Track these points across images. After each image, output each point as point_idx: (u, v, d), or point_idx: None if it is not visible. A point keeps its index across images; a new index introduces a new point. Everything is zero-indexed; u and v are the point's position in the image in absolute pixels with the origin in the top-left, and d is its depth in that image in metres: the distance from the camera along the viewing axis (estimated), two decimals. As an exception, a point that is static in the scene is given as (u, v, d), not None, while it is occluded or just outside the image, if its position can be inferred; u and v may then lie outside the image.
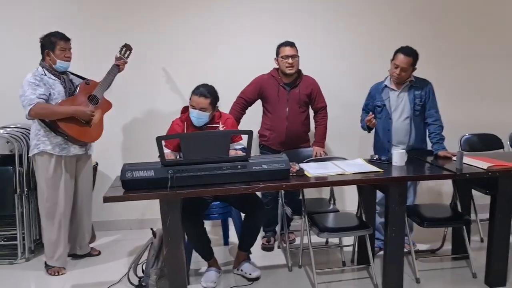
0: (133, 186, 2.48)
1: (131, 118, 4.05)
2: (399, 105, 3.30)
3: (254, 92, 3.53)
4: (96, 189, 3.71)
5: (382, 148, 3.33)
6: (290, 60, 3.39)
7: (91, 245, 3.63)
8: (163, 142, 2.56)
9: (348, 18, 4.14)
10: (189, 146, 2.54)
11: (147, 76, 3.99)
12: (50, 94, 3.09)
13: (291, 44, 3.42)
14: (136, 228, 4.15)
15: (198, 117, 2.98)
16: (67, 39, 3.16)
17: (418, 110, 3.28)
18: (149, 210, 4.10)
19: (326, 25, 4.13)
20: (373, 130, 3.43)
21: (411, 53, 3.19)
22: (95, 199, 3.54)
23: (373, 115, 3.22)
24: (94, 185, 3.72)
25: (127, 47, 3.40)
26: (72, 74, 3.31)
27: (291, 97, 3.47)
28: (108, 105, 3.36)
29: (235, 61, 4.04)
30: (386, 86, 3.33)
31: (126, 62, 3.38)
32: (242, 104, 3.54)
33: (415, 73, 3.33)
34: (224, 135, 2.66)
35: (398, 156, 2.95)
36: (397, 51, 3.24)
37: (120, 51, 3.37)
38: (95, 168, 3.77)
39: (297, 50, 3.44)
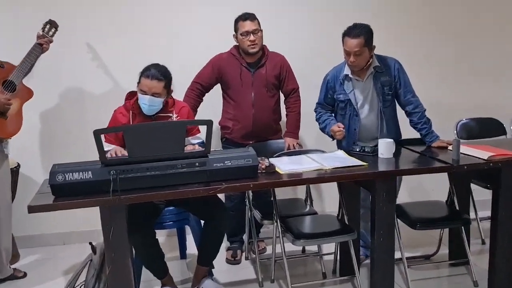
0: (65, 191, 2.43)
1: (61, 108, 3.96)
2: (367, 98, 3.31)
3: (212, 75, 3.52)
4: (17, 197, 3.62)
5: (346, 149, 3.29)
6: (252, 37, 3.38)
7: (14, 265, 3.54)
8: (103, 137, 2.52)
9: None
10: (136, 140, 2.51)
11: (80, 58, 3.91)
12: None
13: (251, 17, 3.41)
14: (70, 242, 4.08)
15: (151, 104, 2.95)
16: None
17: (389, 100, 3.31)
18: (86, 221, 4.02)
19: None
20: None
21: (359, 33, 3.12)
22: (17, 209, 3.44)
23: (343, 129, 3.22)
24: (16, 191, 3.62)
25: (52, 24, 3.34)
26: None
27: (256, 80, 3.48)
28: (28, 93, 3.28)
29: (188, 38, 4.01)
30: (347, 76, 3.31)
31: (51, 41, 3.32)
32: (198, 90, 3.53)
33: (380, 52, 3.33)
34: (178, 126, 2.64)
35: (385, 146, 2.99)
36: (343, 35, 3.19)
37: (43, 28, 3.30)
38: (16, 170, 3.66)
39: (259, 23, 3.44)
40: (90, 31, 3.91)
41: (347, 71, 3.30)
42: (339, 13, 4.13)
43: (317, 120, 3.48)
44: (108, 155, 2.80)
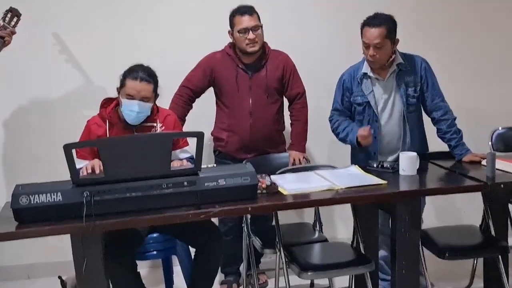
0: (30, 216, 2.43)
1: (25, 116, 3.97)
2: (388, 101, 3.33)
3: (203, 78, 3.53)
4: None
5: (364, 162, 3.29)
6: (251, 35, 3.39)
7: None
8: (75, 152, 2.52)
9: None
10: (113, 156, 2.51)
11: (47, 53, 3.91)
12: None
13: (249, 11, 3.42)
14: (37, 276, 4.07)
15: (140, 110, 2.98)
16: None
17: (413, 104, 3.33)
18: (56, 250, 4.00)
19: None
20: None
21: (381, 22, 3.16)
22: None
23: (371, 130, 3.23)
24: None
25: (14, 13, 3.34)
26: None
27: (255, 84, 3.50)
28: None
29: (176, 31, 4.02)
30: (365, 74, 3.34)
31: (13, 32, 3.33)
32: (187, 95, 3.55)
33: (406, 49, 3.36)
34: (163, 139, 2.64)
35: (407, 161, 3.00)
36: (362, 25, 3.23)
37: (4, 18, 3.31)
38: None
39: (259, 17, 3.45)
40: (58, 20, 3.90)
41: (365, 69, 3.33)
42: (358, 8, 4.11)
43: (334, 130, 3.47)
44: (83, 171, 2.80)
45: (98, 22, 3.94)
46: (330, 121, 3.52)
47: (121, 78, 3.03)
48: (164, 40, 4.00)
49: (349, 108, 3.44)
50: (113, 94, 3.12)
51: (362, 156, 3.39)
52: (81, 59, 3.96)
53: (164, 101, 3.40)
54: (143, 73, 2.99)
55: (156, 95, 3.08)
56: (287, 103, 3.72)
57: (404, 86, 3.30)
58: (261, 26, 3.45)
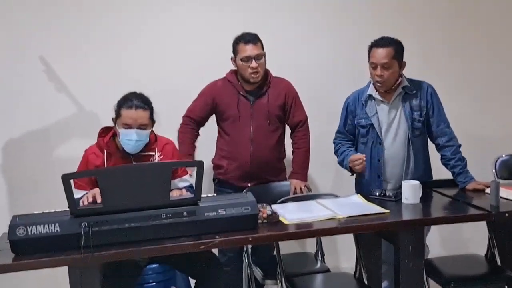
0: (28, 248, 2.42)
1: (21, 143, 3.98)
2: (392, 124, 3.35)
3: (205, 107, 3.57)
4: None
5: (367, 187, 3.33)
6: (253, 64, 3.41)
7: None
8: (73, 182, 2.53)
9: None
10: (112, 186, 2.52)
11: (40, 80, 3.93)
12: None
13: (253, 40, 3.43)
14: (33, 309, 4.04)
15: (138, 138, 2.99)
16: None
17: (419, 128, 3.34)
18: (53, 282, 3.97)
19: (304, 4, 4.21)
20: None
21: (389, 43, 3.22)
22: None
23: (364, 158, 3.26)
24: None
25: None
26: None
27: (256, 111, 3.52)
28: None
29: (173, 62, 4.06)
30: (370, 96, 3.37)
31: None
32: (192, 123, 3.57)
33: (409, 73, 3.39)
34: (162, 169, 2.65)
35: (410, 189, 3.00)
36: (370, 47, 3.28)
37: None
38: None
39: (262, 46, 3.47)
40: (50, 45, 3.92)
41: (371, 91, 3.36)
42: (359, 31, 4.18)
43: (335, 153, 3.52)
44: (83, 201, 2.79)
45: (91, 46, 3.97)
46: (334, 142, 3.57)
47: (116, 108, 3.04)
48: (158, 65, 4.03)
49: (352, 131, 3.48)
50: (106, 117, 3.14)
51: (366, 180, 3.40)
52: (72, 83, 3.98)
53: (162, 127, 3.42)
54: (137, 101, 3.01)
55: (153, 122, 3.10)
56: (289, 132, 3.73)
57: (409, 109, 3.32)
58: (264, 54, 3.47)
